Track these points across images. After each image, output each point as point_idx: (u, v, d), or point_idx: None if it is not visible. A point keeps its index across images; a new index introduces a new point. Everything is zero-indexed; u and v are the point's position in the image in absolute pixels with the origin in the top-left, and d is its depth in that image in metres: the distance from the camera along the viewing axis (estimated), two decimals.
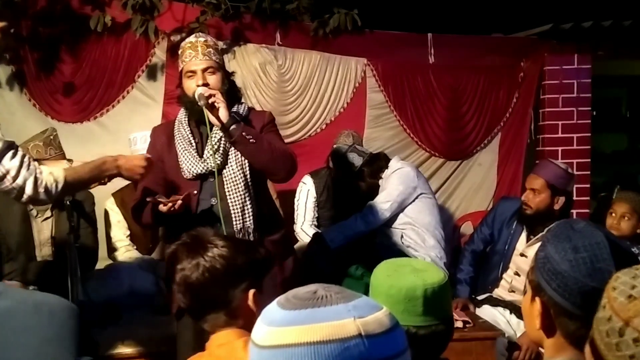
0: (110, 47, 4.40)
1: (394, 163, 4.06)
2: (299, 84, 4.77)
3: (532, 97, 5.13)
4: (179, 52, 2.78)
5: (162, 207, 2.57)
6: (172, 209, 2.55)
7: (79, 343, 1.27)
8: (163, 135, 2.86)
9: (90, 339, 1.22)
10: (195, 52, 2.69)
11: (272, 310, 1.03)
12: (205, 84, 2.66)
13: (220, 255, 1.68)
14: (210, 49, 2.71)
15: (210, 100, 2.59)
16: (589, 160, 5.14)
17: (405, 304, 1.62)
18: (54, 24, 4.25)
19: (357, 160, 4.10)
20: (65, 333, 1.26)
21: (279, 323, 0.99)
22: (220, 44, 4.36)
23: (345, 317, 0.96)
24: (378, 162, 4.09)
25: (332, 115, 4.89)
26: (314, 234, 4.00)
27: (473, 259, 3.86)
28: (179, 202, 2.55)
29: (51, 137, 3.56)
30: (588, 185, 5.11)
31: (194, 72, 2.69)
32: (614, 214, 3.61)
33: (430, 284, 1.64)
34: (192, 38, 2.76)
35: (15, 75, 4.31)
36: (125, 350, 3.14)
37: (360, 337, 0.95)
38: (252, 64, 4.62)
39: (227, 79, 2.79)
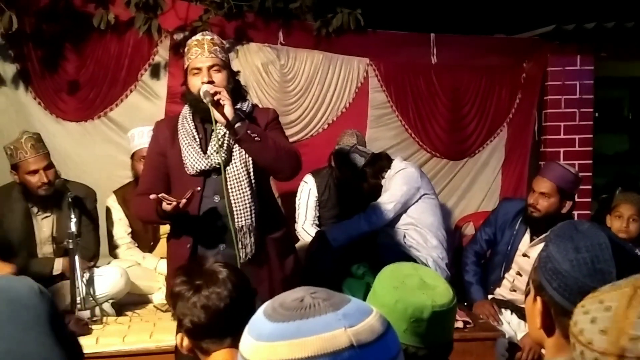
0: (114, 45, 4.40)
1: (397, 163, 4.06)
2: (301, 84, 4.77)
3: (535, 98, 5.13)
4: (185, 49, 2.77)
5: (166, 206, 2.57)
6: (177, 208, 2.56)
7: (58, 328, 1.26)
8: (167, 129, 2.85)
9: (65, 326, 1.22)
10: (202, 50, 2.69)
11: (260, 321, 0.99)
12: (211, 82, 2.66)
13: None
14: (217, 47, 2.71)
15: (215, 98, 2.59)
16: (591, 161, 5.13)
17: (409, 323, 1.57)
18: (58, 21, 4.25)
19: (359, 160, 4.10)
20: (41, 316, 1.25)
21: (268, 337, 0.95)
22: None
23: (336, 327, 0.93)
24: (380, 162, 4.10)
25: (334, 116, 4.89)
26: (317, 232, 4.00)
27: (477, 260, 3.86)
28: (184, 200, 2.56)
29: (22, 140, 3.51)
30: (590, 187, 5.11)
31: (199, 69, 2.68)
32: (621, 217, 3.61)
33: (439, 305, 1.59)
34: (198, 36, 2.76)
35: (20, 73, 4.31)
36: (125, 347, 3.15)
37: (352, 348, 0.92)
38: (254, 64, 4.62)
39: (233, 77, 2.79)
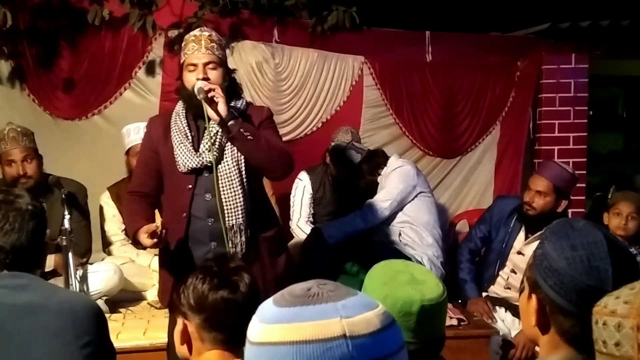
0: (108, 42, 4.38)
1: (394, 161, 4.06)
2: (295, 83, 4.74)
3: (530, 96, 5.14)
4: (182, 44, 2.76)
5: (146, 241, 2.60)
6: (155, 242, 2.61)
7: (99, 347, 1.26)
8: (160, 126, 2.85)
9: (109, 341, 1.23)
10: (199, 46, 2.68)
11: (266, 306, 1.02)
12: (206, 79, 2.65)
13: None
14: (214, 44, 2.70)
15: (209, 95, 2.58)
16: (585, 159, 5.15)
17: (398, 318, 1.55)
18: (52, 18, 4.23)
19: (355, 157, 4.10)
20: (85, 336, 1.25)
21: (269, 320, 0.98)
22: None
23: (332, 316, 0.95)
24: (376, 159, 4.10)
25: (328, 114, 4.87)
26: (313, 229, 4.00)
27: (472, 257, 3.86)
28: (164, 232, 2.61)
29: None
30: (584, 185, 5.12)
31: (195, 65, 2.67)
32: (620, 215, 3.61)
33: (428, 299, 1.60)
34: (196, 31, 2.75)
35: (15, 71, 4.28)
36: (119, 344, 3.14)
37: (344, 338, 0.93)
38: (248, 62, 4.59)
39: (229, 75, 2.78)
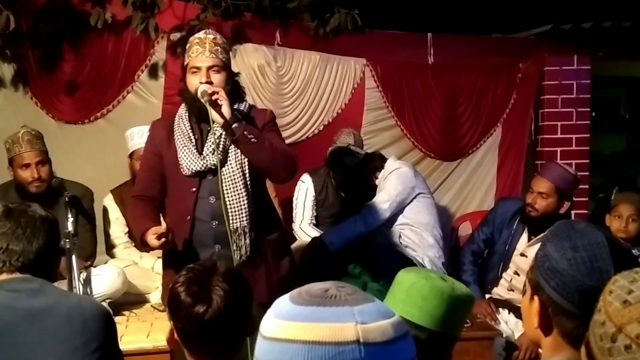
0: (111, 45, 4.39)
1: (391, 163, 4.06)
2: (298, 86, 4.74)
3: (532, 98, 5.13)
4: (187, 46, 2.77)
5: (153, 242, 2.62)
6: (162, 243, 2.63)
7: (107, 352, 1.26)
8: (163, 130, 2.85)
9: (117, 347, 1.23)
10: (203, 49, 2.68)
11: (283, 302, 1.02)
12: (209, 82, 2.65)
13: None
14: (218, 47, 2.71)
15: (213, 98, 2.59)
16: (588, 161, 5.14)
17: (405, 294, 1.67)
18: (55, 21, 4.24)
19: (351, 160, 4.10)
20: (94, 342, 1.26)
21: (284, 316, 0.98)
22: None
23: (348, 320, 0.94)
24: (372, 163, 4.10)
25: (330, 117, 4.87)
26: (313, 239, 3.96)
27: (474, 259, 3.86)
28: (170, 236, 2.64)
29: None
30: (587, 186, 5.11)
31: (198, 68, 2.68)
32: (620, 217, 3.60)
33: (439, 287, 1.66)
34: (201, 34, 2.75)
35: (18, 74, 4.29)
36: (122, 347, 3.13)
37: (357, 343, 0.92)
38: (250, 65, 4.58)
39: (232, 78, 2.78)
